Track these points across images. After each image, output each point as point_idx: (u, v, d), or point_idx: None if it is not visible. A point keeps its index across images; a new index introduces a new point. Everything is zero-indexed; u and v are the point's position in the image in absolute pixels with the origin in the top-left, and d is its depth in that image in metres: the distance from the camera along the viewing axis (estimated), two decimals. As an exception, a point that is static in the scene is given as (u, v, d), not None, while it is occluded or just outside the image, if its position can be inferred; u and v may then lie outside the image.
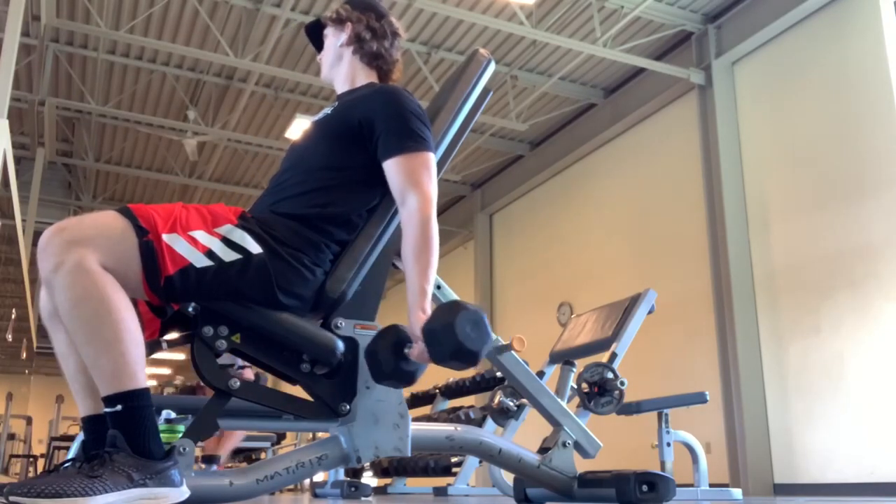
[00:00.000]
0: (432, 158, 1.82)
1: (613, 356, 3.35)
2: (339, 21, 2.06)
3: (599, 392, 3.20)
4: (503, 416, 4.18)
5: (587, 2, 7.75)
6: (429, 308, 1.67)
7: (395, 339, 1.65)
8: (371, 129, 1.82)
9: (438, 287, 2.06)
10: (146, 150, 11.17)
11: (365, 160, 1.83)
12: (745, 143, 7.60)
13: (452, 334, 1.53)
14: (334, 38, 2.07)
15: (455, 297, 2.09)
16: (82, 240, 1.48)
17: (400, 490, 5.86)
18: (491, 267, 11.82)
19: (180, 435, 1.59)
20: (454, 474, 5.33)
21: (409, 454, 1.81)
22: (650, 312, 3.62)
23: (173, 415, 3.27)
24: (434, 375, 8.36)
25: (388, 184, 1.80)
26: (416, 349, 1.62)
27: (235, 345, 1.64)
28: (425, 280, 1.69)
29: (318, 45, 2.15)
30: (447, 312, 1.57)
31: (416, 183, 1.75)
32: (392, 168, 1.78)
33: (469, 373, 6.68)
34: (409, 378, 1.66)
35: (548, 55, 8.72)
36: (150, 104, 9.82)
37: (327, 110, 1.97)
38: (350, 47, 2.04)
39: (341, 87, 2.05)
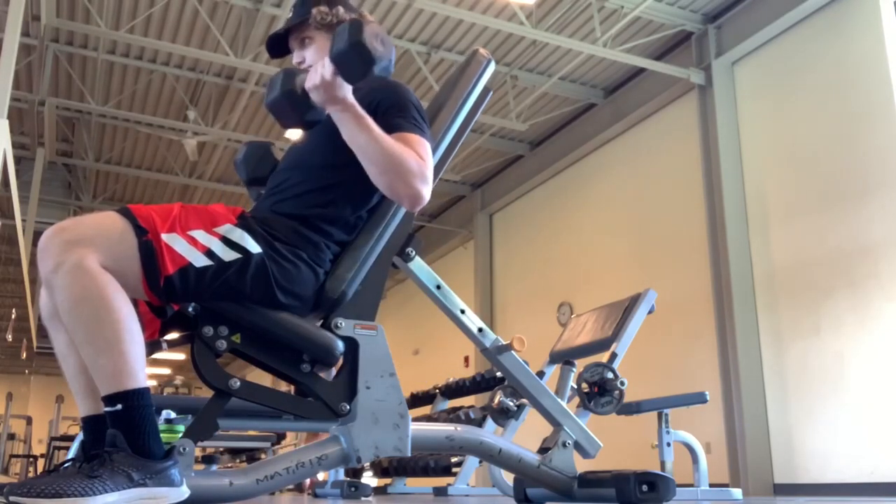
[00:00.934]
0: (427, 144, 1.79)
1: (613, 356, 3.35)
2: (331, 25, 1.96)
3: (599, 392, 3.20)
4: (503, 416, 4.18)
5: (587, 2, 7.75)
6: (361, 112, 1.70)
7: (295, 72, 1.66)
8: (373, 117, 1.81)
9: (438, 287, 2.06)
10: (146, 150, 11.17)
11: None
12: (745, 143, 7.60)
13: (359, 31, 1.55)
14: (328, 43, 2.00)
15: (455, 297, 2.09)
16: (82, 240, 1.48)
17: (400, 490, 5.86)
18: (491, 267, 11.82)
19: (180, 435, 1.59)
20: (454, 474, 5.33)
21: (409, 454, 1.81)
22: (650, 312, 3.62)
23: (173, 415, 3.27)
24: (434, 376, 8.37)
25: None
26: (314, 70, 1.62)
27: (235, 345, 1.64)
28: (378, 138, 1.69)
29: (277, 49, 2.06)
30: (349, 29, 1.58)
31: (411, 151, 1.72)
32: None
33: (469, 373, 6.67)
34: (298, 108, 1.64)
35: (548, 55, 8.72)
36: (150, 104, 9.82)
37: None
38: None
39: None
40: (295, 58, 2.03)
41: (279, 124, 1.72)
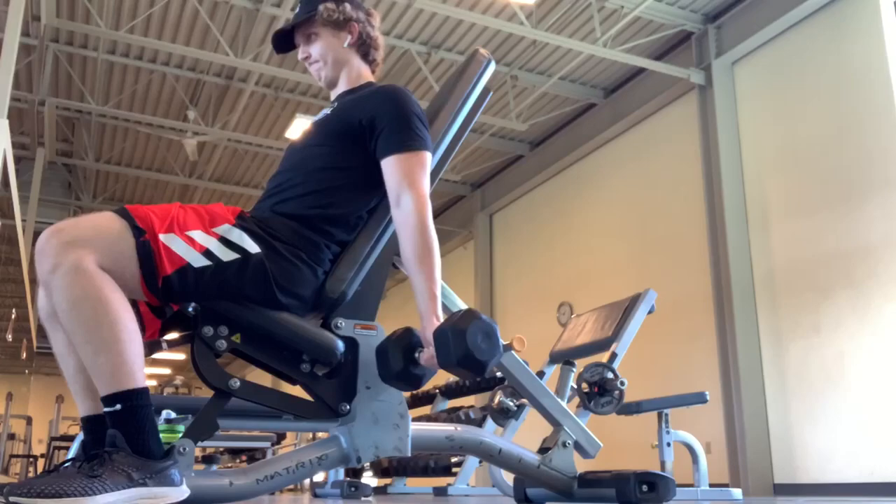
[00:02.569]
0: (428, 158, 1.82)
1: (613, 356, 3.35)
2: (342, 22, 1.99)
3: (599, 392, 3.20)
4: (503, 416, 4.17)
5: (587, 2, 7.75)
6: (440, 312, 1.67)
7: (407, 341, 1.66)
8: (372, 127, 1.82)
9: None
10: (146, 150, 11.17)
11: (365, 160, 1.83)
12: (745, 143, 7.60)
13: (463, 341, 1.54)
14: (335, 40, 2.00)
15: (455, 297, 2.10)
16: (80, 241, 1.48)
17: (400, 490, 5.86)
18: (491, 267, 11.82)
19: (180, 435, 1.59)
20: (454, 474, 5.33)
21: (409, 454, 1.81)
22: (650, 312, 3.62)
23: (173, 415, 3.26)
24: (434, 376, 8.35)
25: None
26: (427, 353, 1.63)
27: (235, 345, 1.64)
28: (433, 283, 1.69)
29: (283, 44, 2.06)
30: (461, 319, 1.58)
31: (411, 183, 1.75)
32: (389, 166, 1.78)
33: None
34: (416, 381, 1.67)
35: (548, 55, 8.72)
36: (150, 104, 9.82)
37: (326, 111, 1.96)
38: (355, 48, 2.02)
39: (342, 87, 2.03)
40: (301, 53, 2.04)
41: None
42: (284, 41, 2.06)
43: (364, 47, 2.04)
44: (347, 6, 2.01)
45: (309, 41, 2.01)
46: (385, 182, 1.79)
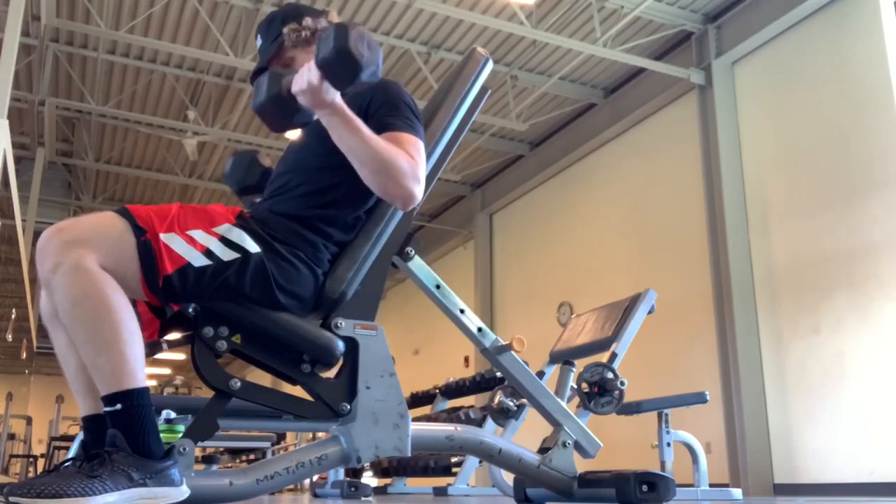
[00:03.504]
0: (421, 143, 1.78)
1: (613, 356, 3.35)
2: (307, 39, 1.95)
3: (599, 392, 3.20)
4: (503, 416, 4.18)
5: (587, 2, 7.75)
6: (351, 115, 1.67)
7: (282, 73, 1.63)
8: (365, 117, 1.81)
9: (438, 287, 2.06)
10: (146, 150, 11.17)
11: None
12: (745, 143, 7.60)
13: (345, 35, 1.51)
14: (310, 55, 1.90)
15: (455, 297, 2.09)
16: (80, 240, 1.48)
17: (400, 490, 5.86)
18: (491, 267, 11.82)
19: (180, 435, 1.59)
20: (454, 474, 5.33)
21: (409, 454, 1.81)
22: (650, 312, 3.62)
23: (173, 415, 3.27)
24: (434, 376, 8.37)
25: None
26: (300, 73, 1.59)
27: (236, 345, 1.64)
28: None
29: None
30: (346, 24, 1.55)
31: (402, 151, 1.71)
32: None
33: (469, 373, 6.67)
34: (288, 110, 1.61)
35: (548, 55, 8.72)
36: (150, 104, 9.82)
37: None
38: None
39: None
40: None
41: (268, 128, 1.70)
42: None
43: None
44: (308, 19, 1.97)
45: (288, 66, 1.98)
46: None
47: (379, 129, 1.74)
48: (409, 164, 1.69)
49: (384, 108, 1.79)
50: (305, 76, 1.58)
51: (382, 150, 1.67)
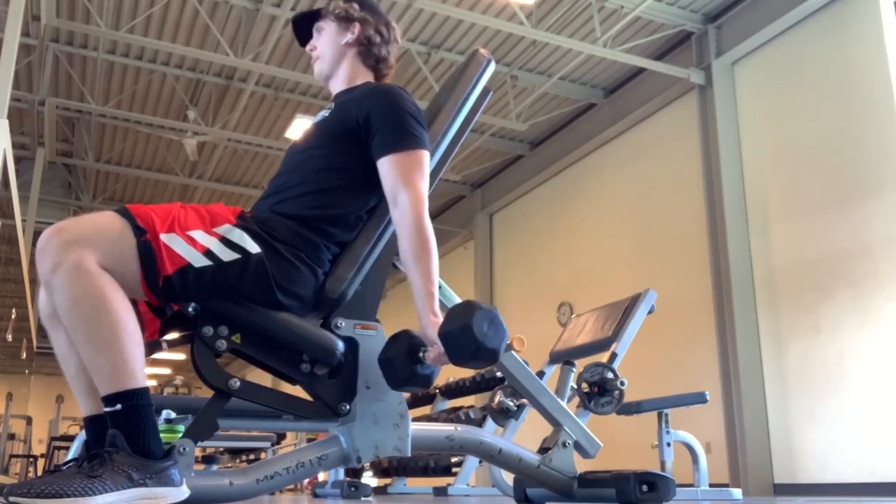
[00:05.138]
0: (426, 157, 1.80)
1: (613, 356, 3.35)
2: (346, 19, 2.01)
3: (599, 392, 3.20)
4: (503, 416, 4.18)
5: (587, 2, 7.75)
6: (438, 310, 1.67)
7: (408, 344, 1.65)
8: (368, 127, 1.81)
9: (438, 287, 2.06)
10: (146, 150, 11.17)
11: (364, 161, 1.82)
12: (745, 143, 7.60)
13: (471, 335, 1.53)
14: (336, 36, 2.02)
15: (455, 297, 2.10)
16: (80, 240, 1.48)
17: (400, 490, 5.86)
18: (491, 267, 11.82)
19: (180, 435, 1.59)
20: (454, 474, 5.33)
21: (409, 454, 1.81)
22: (650, 312, 3.62)
23: (173, 415, 3.27)
24: (434, 375, 8.32)
25: None
26: (433, 352, 1.61)
27: (236, 345, 1.64)
28: (430, 283, 1.68)
29: (304, 36, 2.10)
30: (463, 313, 1.57)
31: (408, 182, 1.74)
32: (386, 166, 1.78)
33: (469, 372, 6.68)
34: (426, 382, 1.66)
35: (548, 55, 8.72)
36: (150, 104, 9.82)
37: (325, 112, 1.96)
38: (355, 47, 2.02)
39: (339, 86, 2.03)
40: (310, 44, 2.09)
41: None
42: (304, 33, 2.11)
43: (364, 49, 2.02)
44: (356, 5, 2.03)
45: (318, 32, 2.06)
46: (382, 182, 1.79)
47: (385, 149, 1.77)
48: (424, 207, 1.74)
49: (387, 125, 1.79)
50: (437, 359, 1.61)
51: (430, 241, 1.71)
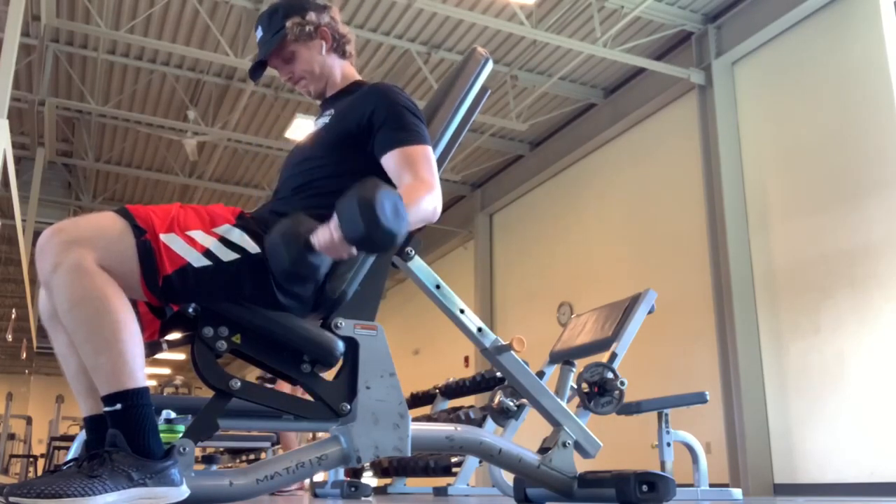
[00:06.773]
0: (430, 151, 1.81)
1: (613, 356, 3.35)
2: (310, 34, 1.96)
3: (599, 392, 3.20)
4: (503, 416, 4.17)
5: (587, 2, 7.75)
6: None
7: (300, 221, 1.57)
8: (368, 128, 1.82)
9: (438, 287, 2.06)
10: (146, 150, 11.17)
11: (366, 165, 1.82)
12: (745, 143, 7.60)
13: (372, 210, 1.44)
14: (313, 52, 1.97)
15: (455, 297, 2.09)
16: (80, 240, 1.48)
17: (400, 490, 5.86)
18: (491, 267, 11.82)
19: (180, 435, 1.59)
20: (454, 474, 5.33)
21: (409, 454, 1.81)
22: (650, 312, 3.62)
23: (173, 415, 3.26)
24: (434, 376, 8.36)
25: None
26: (322, 233, 1.53)
27: (236, 345, 1.64)
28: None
29: (262, 73, 2.02)
30: (366, 188, 1.47)
31: (414, 172, 1.74)
32: (390, 161, 1.78)
33: (469, 373, 6.67)
34: (311, 270, 1.57)
35: (548, 55, 8.72)
36: (150, 104, 9.82)
37: (325, 119, 1.96)
38: (333, 51, 2.01)
39: (332, 91, 2.03)
40: (283, 75, 2.01)
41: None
42: (261, 69, 2.02)
43: (339, 47, 2.02)
44: (311, 14, 1.97)
45: (288, 62, 1.98)
46: (389, 177, 1.79)
47: (388, 145, 1.77)
48: (429, 194, 1.72)
49: (389, 121, 1.80)
50: (327, 239, 1.53)
51: (413, 212, 1.64)
